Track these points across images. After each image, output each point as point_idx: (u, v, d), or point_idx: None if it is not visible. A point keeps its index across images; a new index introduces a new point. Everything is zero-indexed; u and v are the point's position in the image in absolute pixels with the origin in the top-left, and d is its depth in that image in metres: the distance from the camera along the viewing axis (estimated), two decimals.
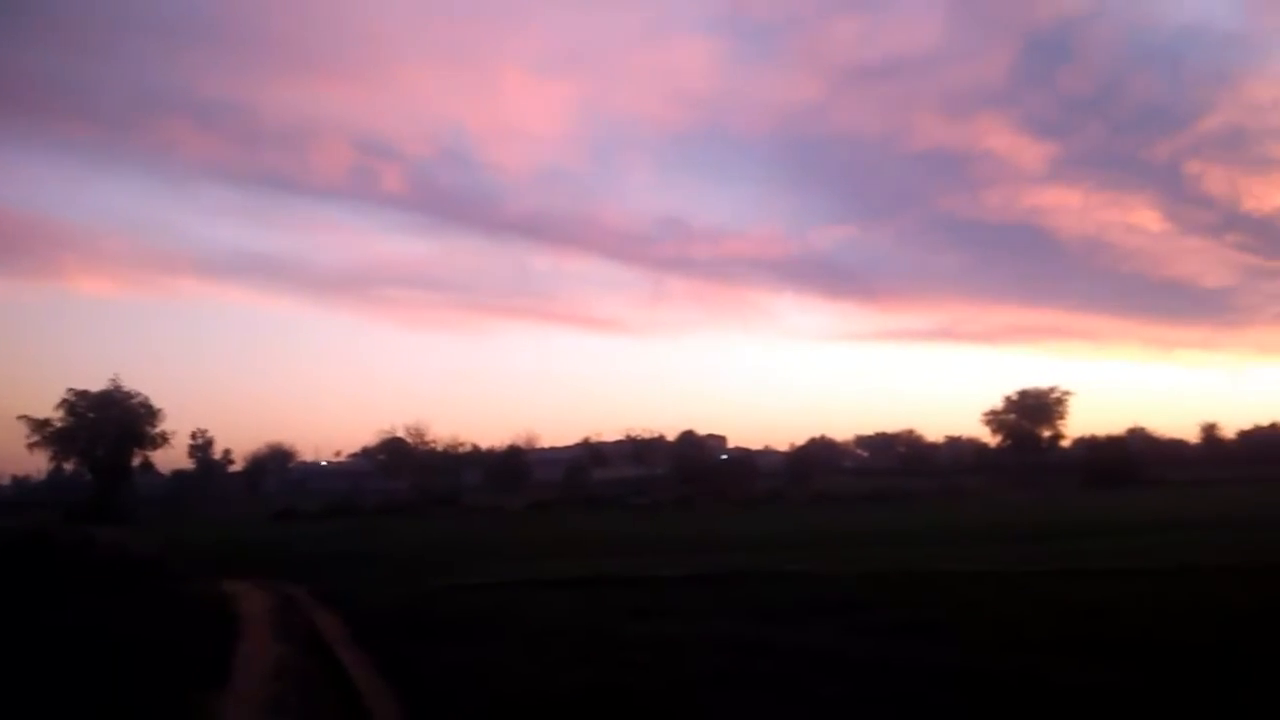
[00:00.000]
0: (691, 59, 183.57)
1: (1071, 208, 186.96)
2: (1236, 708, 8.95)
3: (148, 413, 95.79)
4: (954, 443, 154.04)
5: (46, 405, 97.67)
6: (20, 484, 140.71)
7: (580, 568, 25.86)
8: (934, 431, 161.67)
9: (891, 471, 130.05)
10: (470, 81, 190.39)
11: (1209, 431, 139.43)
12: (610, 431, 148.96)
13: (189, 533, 58.41)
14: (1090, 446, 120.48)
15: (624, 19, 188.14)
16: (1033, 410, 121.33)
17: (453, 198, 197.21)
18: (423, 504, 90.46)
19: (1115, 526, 39.63)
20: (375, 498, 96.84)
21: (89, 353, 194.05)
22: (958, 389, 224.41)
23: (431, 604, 19.36)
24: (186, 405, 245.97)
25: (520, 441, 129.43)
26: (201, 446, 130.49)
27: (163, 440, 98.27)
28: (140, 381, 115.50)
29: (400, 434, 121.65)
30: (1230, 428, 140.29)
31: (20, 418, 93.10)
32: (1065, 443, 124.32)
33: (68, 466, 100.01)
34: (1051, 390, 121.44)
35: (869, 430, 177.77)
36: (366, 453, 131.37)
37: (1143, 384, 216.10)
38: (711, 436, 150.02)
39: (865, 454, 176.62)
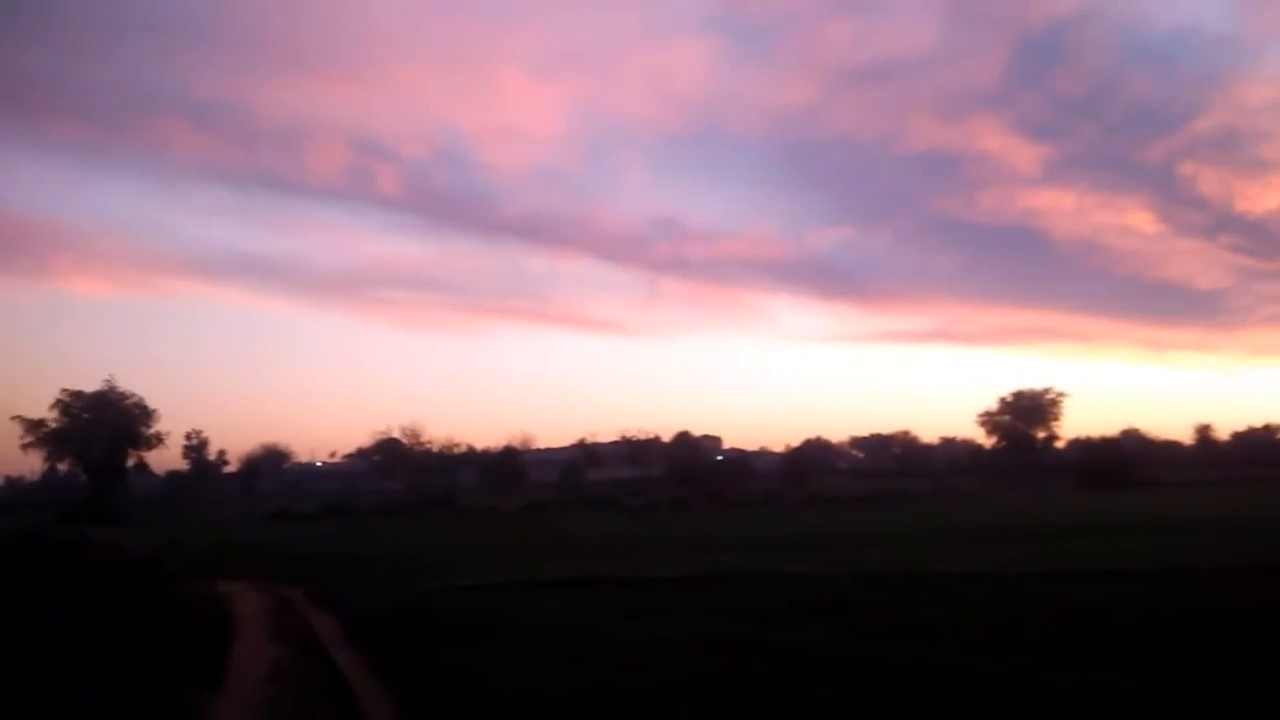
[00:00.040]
0: (686, 60, 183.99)
1: (1066, 209, 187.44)
2: (1232, 708, 8.98)
3: (142, 413, 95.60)
4: (949, 444, 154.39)
5: (41, 406, 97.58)
6: (14, 485, 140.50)
7: (576, 569, 25.85)
8: (929, 433, 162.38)
9: (887, 472, 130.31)
10: (466, 82, 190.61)
11: (1203, 433, 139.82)
12: (606, 432, 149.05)
13: (184, 534, 58.29)
14: (1085, 448, 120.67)
15: (619, 20, 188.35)
16: (1027, 411, 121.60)
17: (448, 198, 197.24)
18: (418, 505, 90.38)
19: (1110, 528, 39.71)
20: (370, 498, 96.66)
21: (84, 353, 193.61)
22: (953, 390, 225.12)
23: (427, 605, 19.34)
24: (181, 406, 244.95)
25: (516, 442, 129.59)
26: (196, 447, 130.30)
27: (157, 441, 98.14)
28: (135, 382, 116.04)
29: (395, 435, 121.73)
30: (1224, 429, 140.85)
31: (14, 418, 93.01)
32: (1060, 444, 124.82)
33: (62, 467, 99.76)
34: (1046, 391, 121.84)
35: (864, 431, 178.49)
36: (362, 453, 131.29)
37: (1137, 385, 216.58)
38: (707, 437, 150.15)
39: (860, 455, 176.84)
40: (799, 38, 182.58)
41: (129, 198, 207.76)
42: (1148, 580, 19.03)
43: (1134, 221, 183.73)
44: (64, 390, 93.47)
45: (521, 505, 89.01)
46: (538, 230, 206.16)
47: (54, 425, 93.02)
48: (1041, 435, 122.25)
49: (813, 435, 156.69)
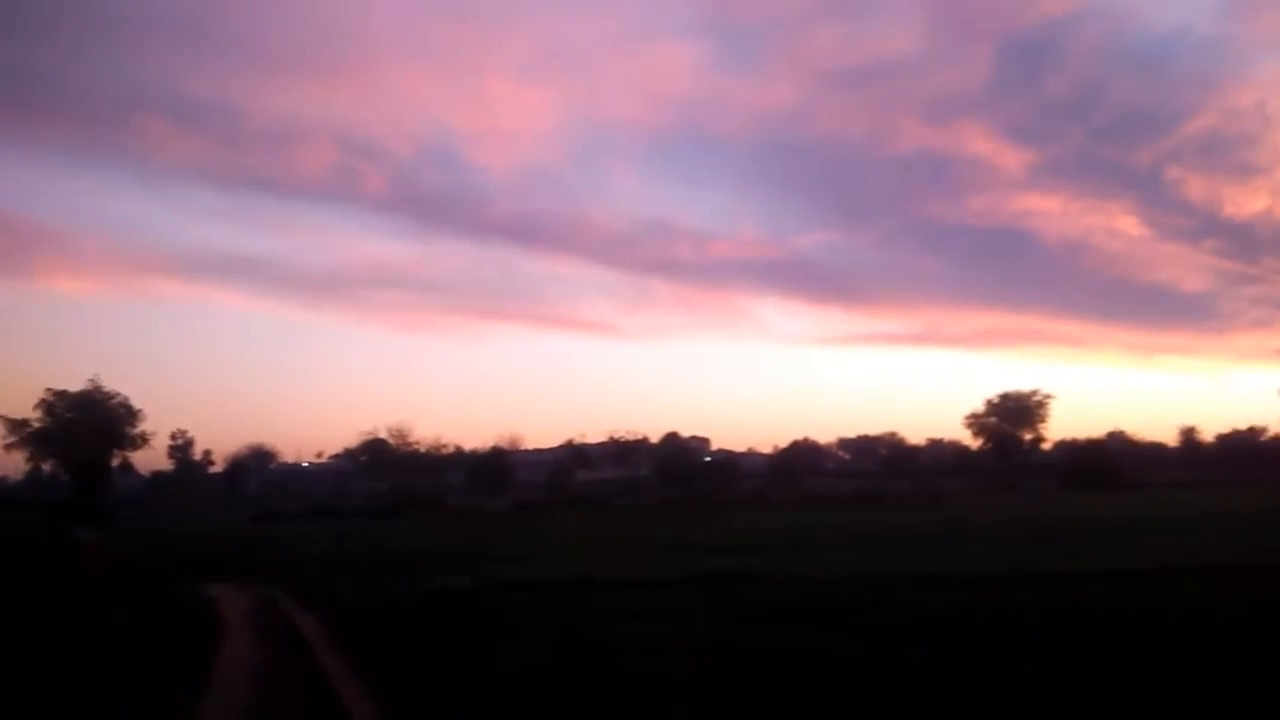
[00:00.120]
0: (675, 63, 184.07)
1: (1052, 213, 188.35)
2: (1215, 705, 9.07)
3: (127, 413, 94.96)
4: (935, 445, 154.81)
5: (24, 405, 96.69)
6: None
7: (564, 570, 25.86)
8: (916, 434, 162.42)
9: (873, 474, 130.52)
10: (455, 84, 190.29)
11: (1188, 435, 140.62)
12: (594, 433, 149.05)
13: (169, 535, 58.00)
14: (1070, 450, 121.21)
15: (608, 23, 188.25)
16: (1013, 413, 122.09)
17: (436, 200, 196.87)
18: (405, 506, 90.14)
19: (1094, 529, 39.97)
20: (357, 499, 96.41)
21: (68, 353, 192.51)
22: (939, 392, 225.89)
23: (415, 607, 19.33)
24: (167, 406, 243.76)
25: (503, 443, 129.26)
26: (181, 447, 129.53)
27: (142, 441, 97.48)
28: (120, 382, 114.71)
29: (382, 435, 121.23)
30: (1209, 432, 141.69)
31: None
32: (1045, 446, 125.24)
33: (45, 467, 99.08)
34: (1032, 394, 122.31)
35: (851, 433, 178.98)
36: (348, 454, 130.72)
37: (1122, 388, 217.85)
38: (695, 439, 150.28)
39: (848, 456, 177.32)
40: (787, 41, 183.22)
41: (116, 197, 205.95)
42: (1131, 580, 19.19)
43: (1120, 225, 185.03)
44: (48, 390, 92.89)
45: (509, 506, 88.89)
46: (526, 231, 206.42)
47: (38, 425, 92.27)
48: (1027, 437, 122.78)
49: (800, 436, 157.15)
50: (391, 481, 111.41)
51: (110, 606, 20.06)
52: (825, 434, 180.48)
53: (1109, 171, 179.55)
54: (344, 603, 20.44)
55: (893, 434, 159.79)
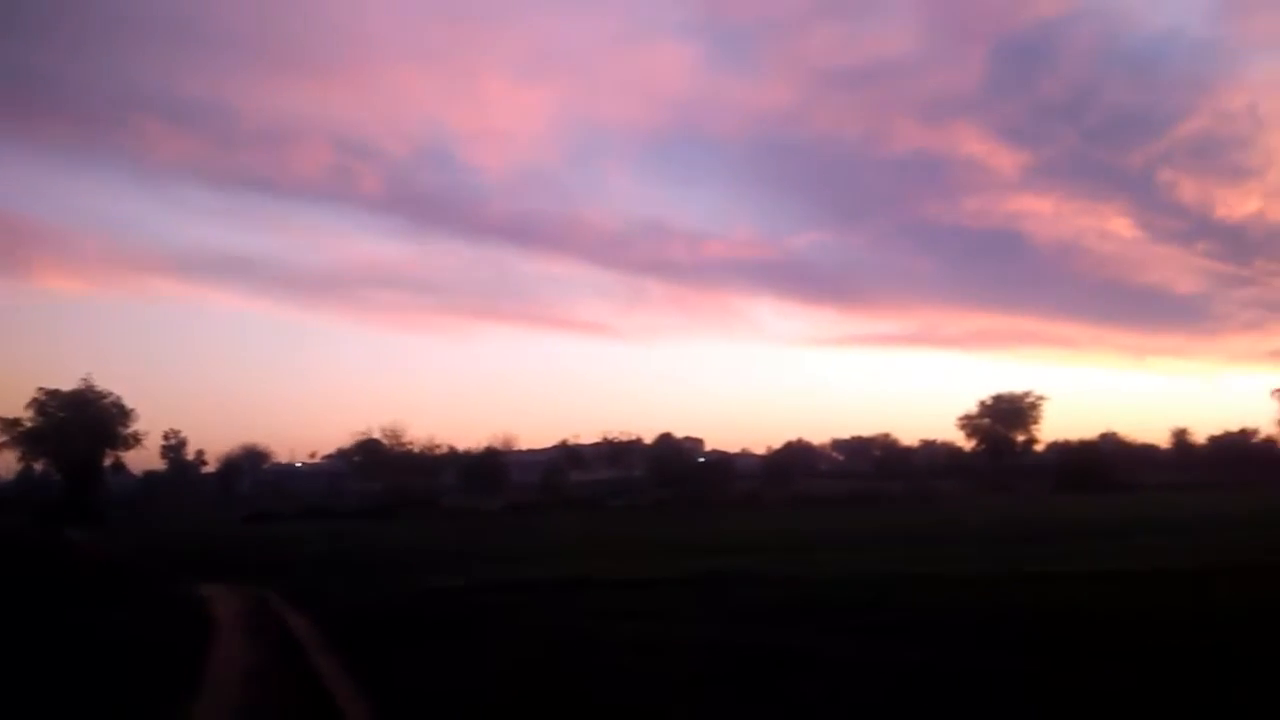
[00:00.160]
0: (670, 63, 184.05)
1: (1046, 214, 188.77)
2: (1203, 705, 9.07)
3: (120, 413, 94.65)
4: (929, 446, 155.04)
5: (16, 405, 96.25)
6: None
7: (559, 570, 25.84)
8: (909, 435, 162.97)
9: (867, 475, 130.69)
10: (450, 84, 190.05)
11: (1180, 437, 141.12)
12: (588, 434, 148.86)
13: (161, 535, 57.82)
14: (1063, 451, 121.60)
15: (603, 23, 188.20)
16: (1007, 415, 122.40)
17: (432, 199, 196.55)
18: (399, 506, 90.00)
19: (1087, 530, 40.07)
20: (351, 499, 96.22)
21: (61, 352, 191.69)
22: (933, 393, 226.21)
23: (408, 607, 19.29)
24: (160, 405, 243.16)
25: (497, 443, 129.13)
26: (174, 447, 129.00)
27: (135, 441, 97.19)
28: (113, 381, 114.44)
29: (376, 435, 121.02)
30: (1201, 433, 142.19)
31: None
32: (1039, 447, 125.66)
33: (37, 467, 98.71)
34: (1025, 395, 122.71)
35: (845, 434, 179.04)
36: (342, 454, 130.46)
37: (1115, 389, 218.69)
38: (689, 439, 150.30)
39: (841, 457, 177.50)
40: (782, 41, 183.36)
41: (111, 197, 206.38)
42: (1124, 581, 19.24)
43: (1113, 227, 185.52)
44: (40, 389, 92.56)
45: (503, 506, 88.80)
46: (521, 231, 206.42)
47: (30, 424, 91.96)
48: (1020, 438, 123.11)
49: (794, 437, 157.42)
50: (385, 482, 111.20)
51: (102, 607, 19.97)
52: (819, 435, 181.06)
53: (1102, 173, 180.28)
54: (337, 603, 20.38)
55: (886, 435, 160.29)
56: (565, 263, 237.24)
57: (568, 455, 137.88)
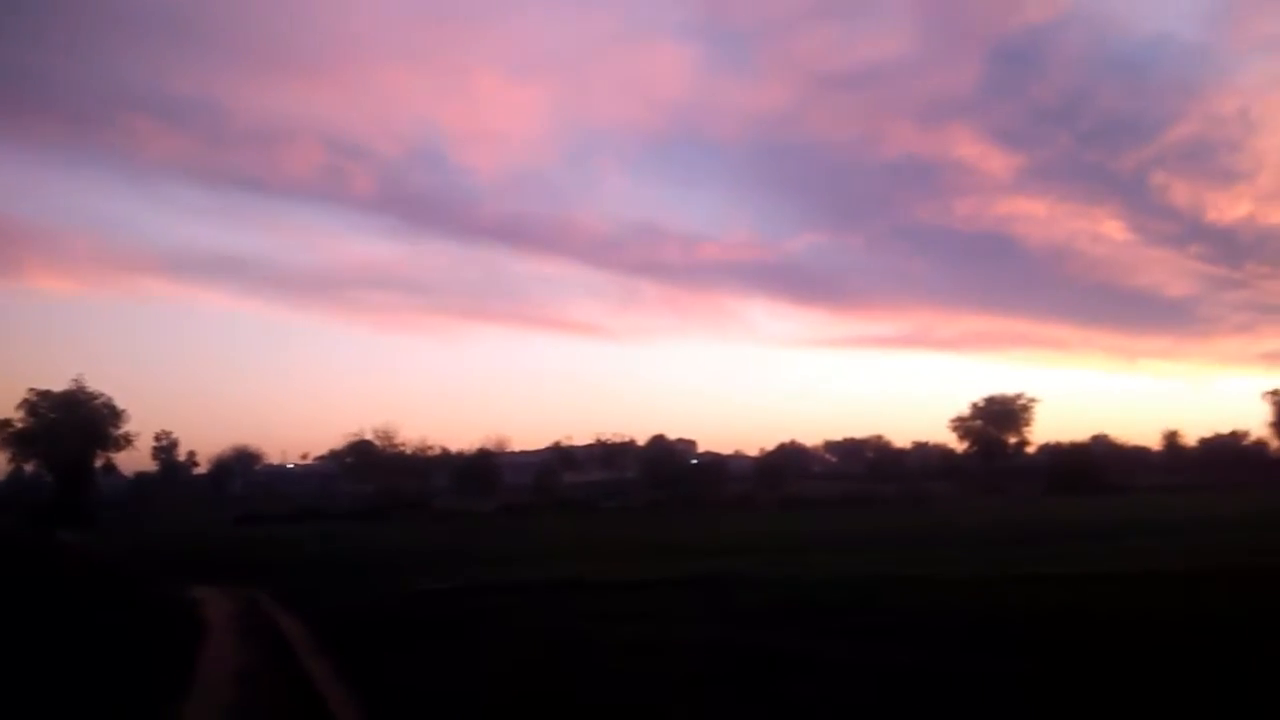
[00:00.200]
0: (666, 64, 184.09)
1: (1038, 217, 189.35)
2: (1197, 706, 9.11)
3: (111, 414, 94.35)
4: (921, 448, 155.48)
5: (7, 406, 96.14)
6: None
7: (552, 571, 25.81)
8: (902, 437, 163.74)
9: (860, 477, 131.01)
10: (443, 84, 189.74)
11: (1171, 439, 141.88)
12: (581, 435, 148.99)
13: (153, 536, 57.59)
14: (1055, 453, 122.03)
15: (598, 23, 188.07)
16: (999, 417, 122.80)
17: (424, 200, 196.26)
18: (391, 507, 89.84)
19: (1079, 532, 40.18)
20: (342, 501, 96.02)
21: (52, 353, 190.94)
22: (925, 395, 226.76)
23: (401, 609, 19.24)
24: (151, 407, 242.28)
25: (490, 445, 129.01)
26: (166, 448, 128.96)
27: (126, 442, 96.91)
28: (104, 382, 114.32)
29: (368, 437, 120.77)
30: (1192, 436, 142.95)
31: None
32: (1030, 449, 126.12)
33: (28, 468, 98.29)
34: (1017, 397, 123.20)
35: (838, 436, 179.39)
36: (334, 456, 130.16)
37: (1107, 392, 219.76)
38: (682, 441, 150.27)
39: (834, 459, 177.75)
40: (777, 43, 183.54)
41: (102, 196, 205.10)
42: (1117, 583, 19.28)
43: (1105, 230, 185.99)
44: (31, 390, 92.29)
45: (495, 508, 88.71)
46: (514, 233, 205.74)
47: (20, 425, 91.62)
48: (1012, 440, 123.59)
49: (787, 439, 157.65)
50: (377, 483, 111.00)
51: (93, 608, 19.88)
52: (812, 437, 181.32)
53: (1094, 176, 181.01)
54: (329, 605, 20.33)
55: (879, 437, 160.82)
56: (558, 263, 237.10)
57: (560, 457, 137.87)
